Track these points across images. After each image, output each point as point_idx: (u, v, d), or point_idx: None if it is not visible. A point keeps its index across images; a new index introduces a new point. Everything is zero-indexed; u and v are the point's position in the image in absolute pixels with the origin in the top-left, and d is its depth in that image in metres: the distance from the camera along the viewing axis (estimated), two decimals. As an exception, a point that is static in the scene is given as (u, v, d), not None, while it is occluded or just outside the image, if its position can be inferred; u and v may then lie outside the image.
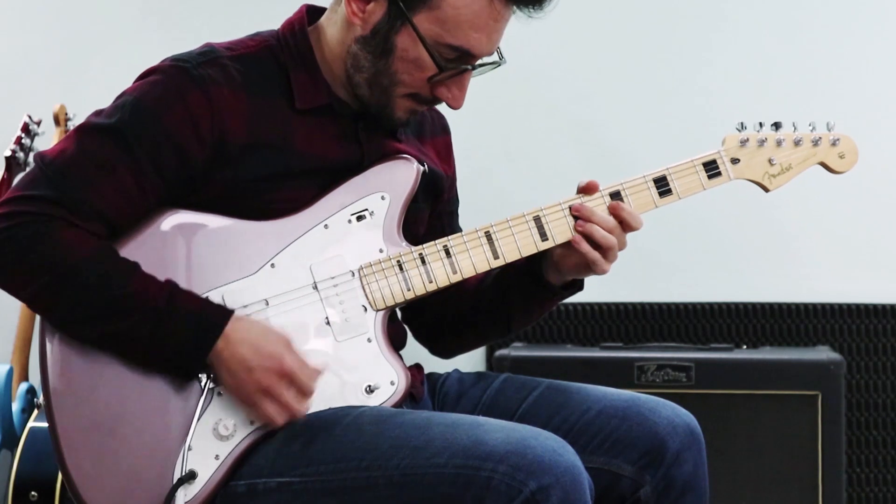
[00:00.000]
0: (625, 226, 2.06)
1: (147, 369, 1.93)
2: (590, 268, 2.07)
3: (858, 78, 3.76)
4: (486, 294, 2.17)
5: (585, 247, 2.04)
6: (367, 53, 2.00)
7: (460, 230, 2.16)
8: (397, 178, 2.05)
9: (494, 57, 2.05)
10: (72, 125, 3.57)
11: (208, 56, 2.00)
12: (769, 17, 3.80)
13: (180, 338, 1.90)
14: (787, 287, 3.78)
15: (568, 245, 2.06)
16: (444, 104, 2.06)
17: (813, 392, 3.31)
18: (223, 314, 1.92)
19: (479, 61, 2.02)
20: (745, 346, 3.64)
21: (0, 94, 3.96)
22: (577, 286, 2.14)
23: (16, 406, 3.24)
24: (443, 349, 2.28)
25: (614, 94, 3.84)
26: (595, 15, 3.84)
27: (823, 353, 3.41)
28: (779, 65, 3.78)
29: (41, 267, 1.89)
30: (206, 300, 1.94)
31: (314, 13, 2.10)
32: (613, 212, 2.06)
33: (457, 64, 1.99)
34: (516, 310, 2.16)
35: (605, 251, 2.05)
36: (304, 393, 1.93)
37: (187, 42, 2.08)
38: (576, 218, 2.05)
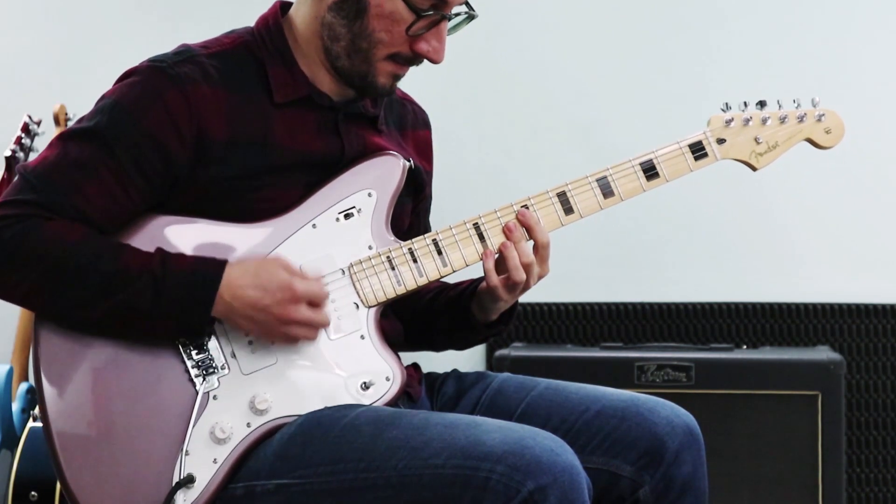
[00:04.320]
0: (531, 235, 2.03)
1: (156, 344, 1.94)
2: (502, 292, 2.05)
3: (860, 79, 3.75)
4: (423, 311, 2.18)
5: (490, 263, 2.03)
6: (341, 19, 2.01)
7: (430, 229, 2.17)
8: (384, 174, 2.05)
9: (465, 9, 2.04)
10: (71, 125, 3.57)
11: (184, 55, 2.01)
12: (769, 15, 3.80)
13: (181, 296, 1.91)
14: (787, 287, 3.77)
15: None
16: (426, 65, 2.05)
17: (813, 392, 3.31)
18: (218, 265, 1.93)
19: (452, 11, 2.02)
20: (745, 346, 3.63)
21: (0, 94, 3.96)
22: (501, 324, 2.13)
23: (16, 406, 3.24)
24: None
25: (612, 89, 3.83)
26: (593, 11, 3.84)
27: (823, 353, 3.41)
28: (781, 64, 3.77)
29: (30, 262, 1.90)
30: (199, 256, 1.95)
31: (287, 8, 2.11)
32: (521, 218, 2.03)
33: (432, 11, 1.99)
34: (438, 334, 2.19)
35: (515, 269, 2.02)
36: (321, 304, 1.95)
37: (188, 41, 2.08)
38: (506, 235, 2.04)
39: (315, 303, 1.95)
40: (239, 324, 1.95)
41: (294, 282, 1.93)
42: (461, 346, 2.22)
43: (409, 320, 2.19)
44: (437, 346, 2.24)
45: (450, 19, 2.02)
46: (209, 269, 1.93)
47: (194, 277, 1.92)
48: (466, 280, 2.16)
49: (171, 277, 1.91)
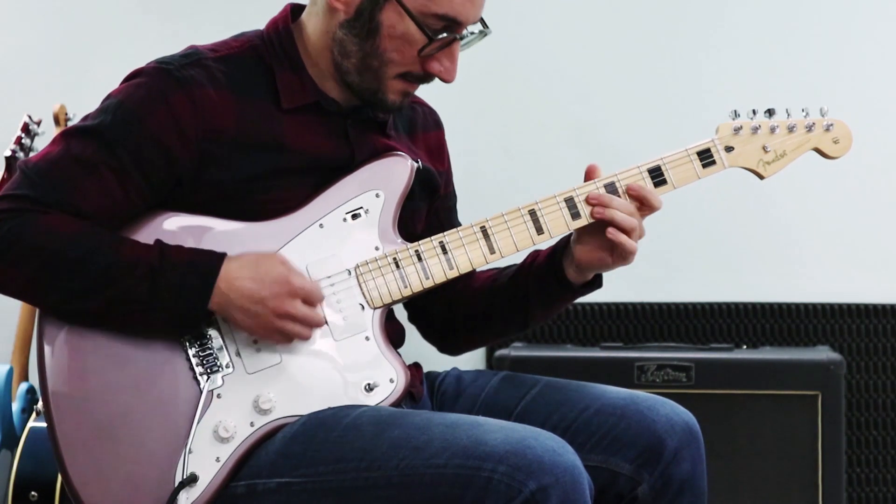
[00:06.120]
0: (645, 205, 2.05)
1: (160, 341, 1.94)
2: (613, 260, 2.05)
3: (860, 79, 3.76)
4: (502, 293, 2.16)
5: (621, 236, 2.02)
6: (353, 37, 2.00)
7: (460, 224, 2.16)
8: (392, 175, 2.04)
9: (479, 27, 2.04)
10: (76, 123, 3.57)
11: (192, 58, 2.00)
12: (768, 15, 3.80)
13: (179, 289, 1.91)
14: (787, 287, 3.77)
15: (588, 241, 2.05)
16: (436, 81, 2.04)
17: (813, 392, 3.31)
18: (216, 258, 1.93)
19: (465, 30, 2.01)
20: (745, 346, 3.63)
21: (0, 94, 3.96)
22: (597, 283, 2.13)
23: (16, 406, 3.24)
24: (453, 347, 2.28)
25: (613, 90, 3.84)
26: (594, 11, 3.84)
27: (823, 353, 3.41)
28: (780, 64, 3.78)
29: (27, 255, 1.90)
30: (197, 248, 1.95)
31: (298, 12, 2.10)
32: (633, 192, 2.05)
33: (444, 33, 1.99)
34: (535, 308, 2.15)
35: (629, 234, 2.04)
36: (315, 303, 1.95)
37: (188, 41, 2.09)
38: (593, 206, 2.04)
39: (310, 301, 1.95)
40: (234, 317, 1.94)
41: (291, 276, 1.93)
42: (553, 313, 2.19)
43: (479, 311, 2.18)
44: (530, 323, 2.19)
45: (462, 38, 2.02)
46: (207, 260, 1.93)
47: (192, 268, 1.92)
48: (545, 248, 2.13)
49: (168, 268, 1.91)
